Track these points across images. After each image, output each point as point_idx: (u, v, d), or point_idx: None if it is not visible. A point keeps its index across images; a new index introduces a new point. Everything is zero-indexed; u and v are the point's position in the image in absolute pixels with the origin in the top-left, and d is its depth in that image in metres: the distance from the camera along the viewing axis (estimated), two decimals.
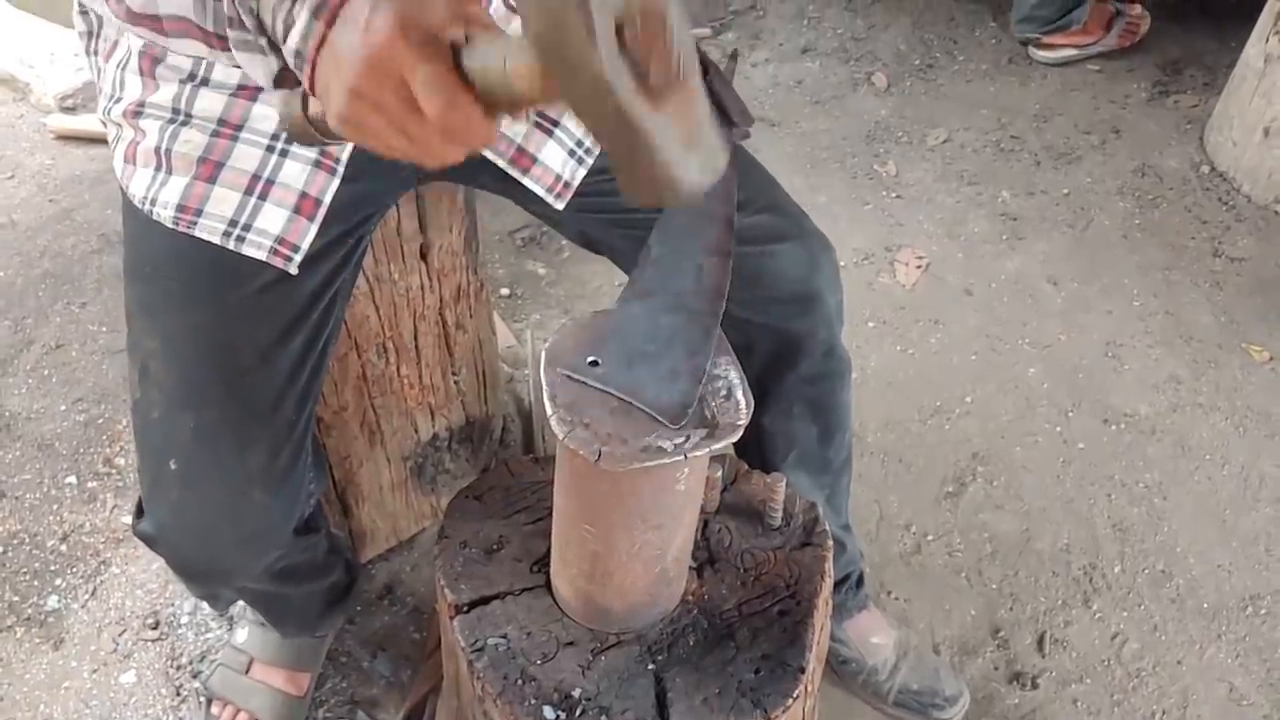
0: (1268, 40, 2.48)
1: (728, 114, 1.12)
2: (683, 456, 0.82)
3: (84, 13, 1.08)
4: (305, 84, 0.74)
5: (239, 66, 0.81)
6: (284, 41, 0.73)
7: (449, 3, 0.70)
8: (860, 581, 1.62)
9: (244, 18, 0.75)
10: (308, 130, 0.80)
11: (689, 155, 0.64)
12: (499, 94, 0.67)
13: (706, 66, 1.13)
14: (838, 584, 1.57)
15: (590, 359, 0.87)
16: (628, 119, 0.60)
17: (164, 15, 0.80)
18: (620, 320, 0.90)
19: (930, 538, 1.90)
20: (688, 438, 0.83)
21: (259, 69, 0.78)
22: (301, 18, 0.71)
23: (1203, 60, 3.01)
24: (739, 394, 0.87)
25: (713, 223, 0.95)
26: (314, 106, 0.79)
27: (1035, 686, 1.70)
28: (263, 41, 0.76)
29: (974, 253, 2.44)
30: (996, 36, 3.10)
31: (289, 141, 0.83)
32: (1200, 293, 2.35)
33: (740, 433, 0.85)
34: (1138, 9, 3.01)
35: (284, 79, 0.78)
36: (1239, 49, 2.64)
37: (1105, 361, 2.21)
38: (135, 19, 0.81)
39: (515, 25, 1.13)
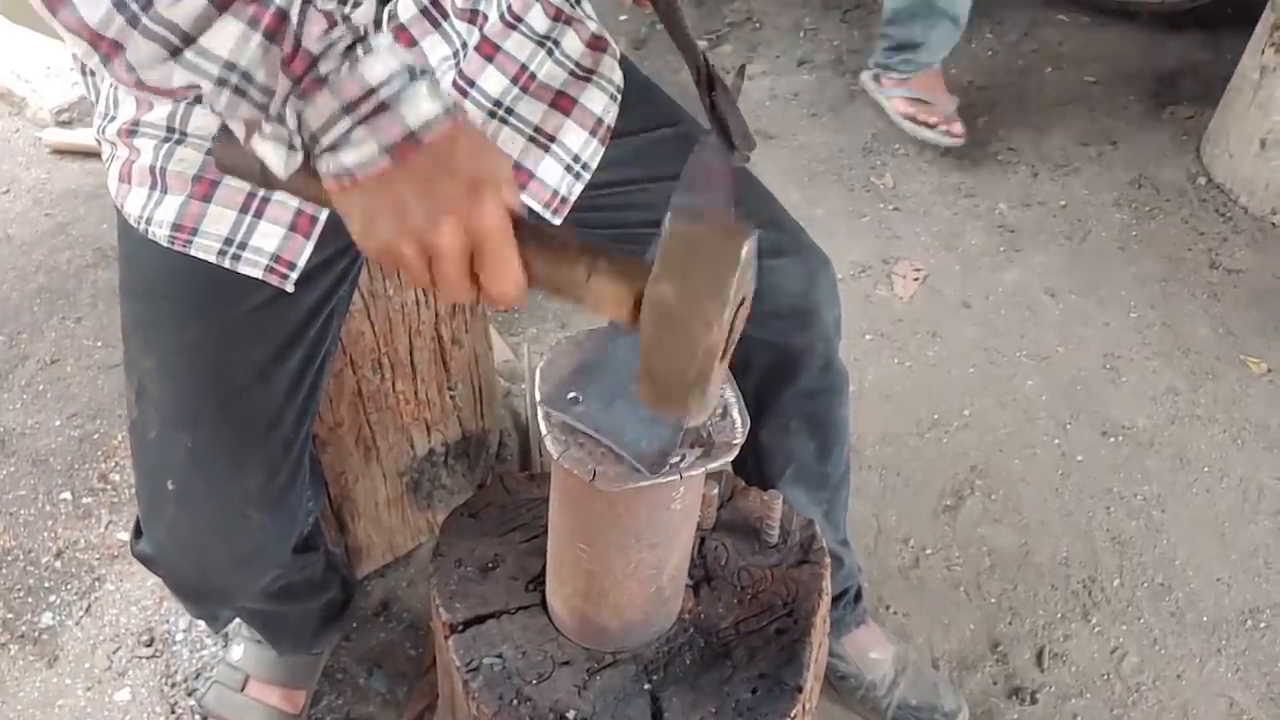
0: (1264, 52, 2.49)
1: (730, 137, 1.12)
2: (678, 476, 0.82)
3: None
4: (332, 189, 0.76)
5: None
6: (326, 150, 0.75)
7: (508, 172, 0.76)
8: (858, 596, 1.61)
9: (288, 118, 0.75)
10: (253, 172, 0.81)
11: (714, 394, 0.76)
12: (564, 291, 0.76)
13: (714, 84, 1.13)
14: (836, 599, 1.56)
15: (571, 395, 0.85)
16: (707, 378, 0.72)
17: (179, 86, 0.79)
18: (605, 355, 0.88)
19: (929, 552, 1.89)
20: (683, 457, 0.82)
21: (279, 160, 0.78)
22: (368, 145, 0.73)
23: (1199, 72, 3.02)
24: (735, 412, 0.87)
25: None
26: (296, 180, 0.79)
27: (1034, 701, 1.69)
28: (296, 140, 0.76)
29: (971, 265, 2.44)
30: (992, 49, 3.11)
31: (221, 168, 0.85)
32: (1198, 304, 2.35)
33: (736, 451, 0.85)
34: (957, 128, 2.68)
35: (293, 177, 0.79)
36: (1235, 61, 2.65)
37: (1103, 374, 2.21)
38: (145, 89, 0.80)
39: (545, 70, 1.13)
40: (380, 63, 0.74)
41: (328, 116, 0.74)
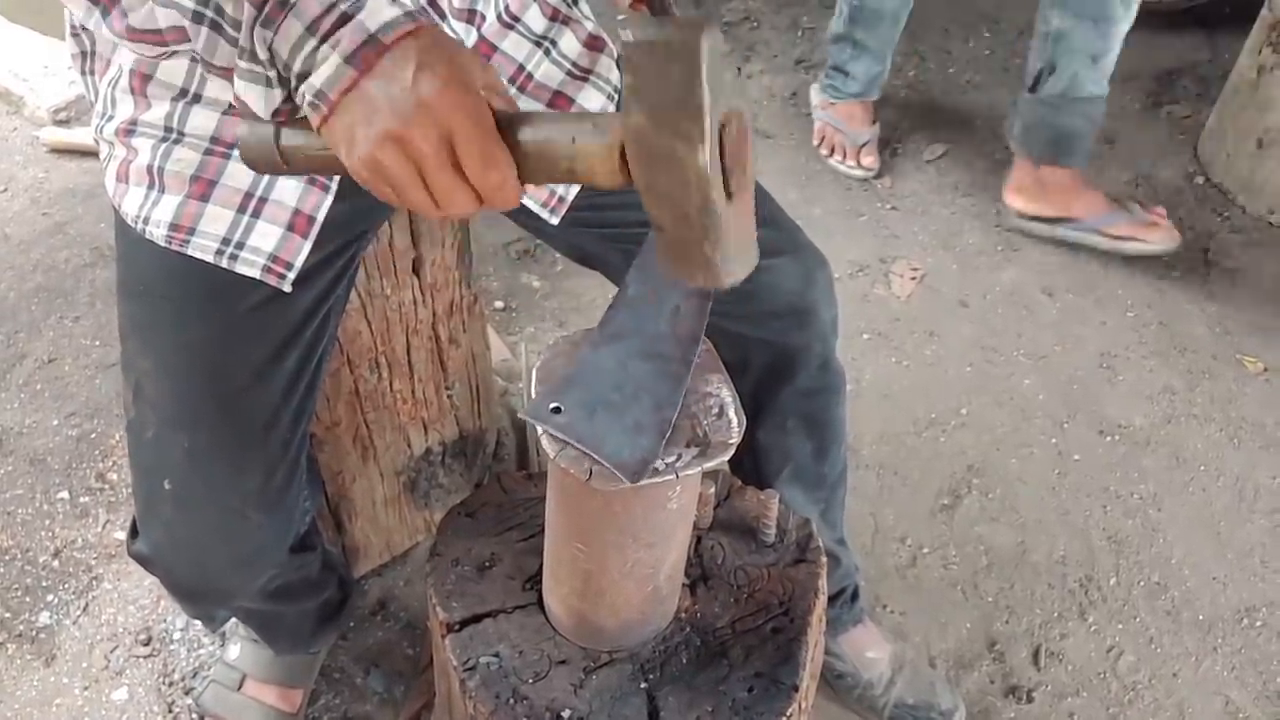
0: (1261, 51, 2.49)
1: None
2: (674, 475, 0.82)
3: (76, 34, 1.08)
4: (316, 122, 0.75)
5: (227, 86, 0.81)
6: (299, 79, 0.74)
7: (480, 68, 0.73)
8: (855, 595, 1.62)
9: (258, 49, 0.75)
10: (273, 159, 0.80)
11: (741, 250, 0.71)
12: (556, 166, 0.72)
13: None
14: (833, 598, 1.57)
15: (553, 405, 0.84)
16: (712, 216, 0.66)
17: (165, 28, 0.80)
18: (588, 365, 0.87)
19: (926, 551, 1.89)
20: (679, 456, 0.83)
21: (259, 99, 0.78)
22: (332, 61, 0.72)
23: (1196, 71, 3.02)
24: (731, 412, 0.87)
25: None
26: (291, 138, 0.79)
27: (1031, 700, 1.70)
28: (271, 74, 0.76)
29: (969, 264, 2.44)
30: (990, 48, 3.11)
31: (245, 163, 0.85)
32: (1195, 304, 2.36)
33: (732, 451, 0.85)
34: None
35: (281, 112, 0.79)
36: (1232, 60, 2.65)
37: (1100, 373, 2.21)
38: (136, 36, 0.81)
39: (542, 70, 1.13)
40: None
41: (295, 40, 0.73)
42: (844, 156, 2.65)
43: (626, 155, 0.68)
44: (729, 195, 0.67)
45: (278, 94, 0.78)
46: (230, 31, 0.77)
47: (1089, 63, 2.23)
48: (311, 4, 0.73)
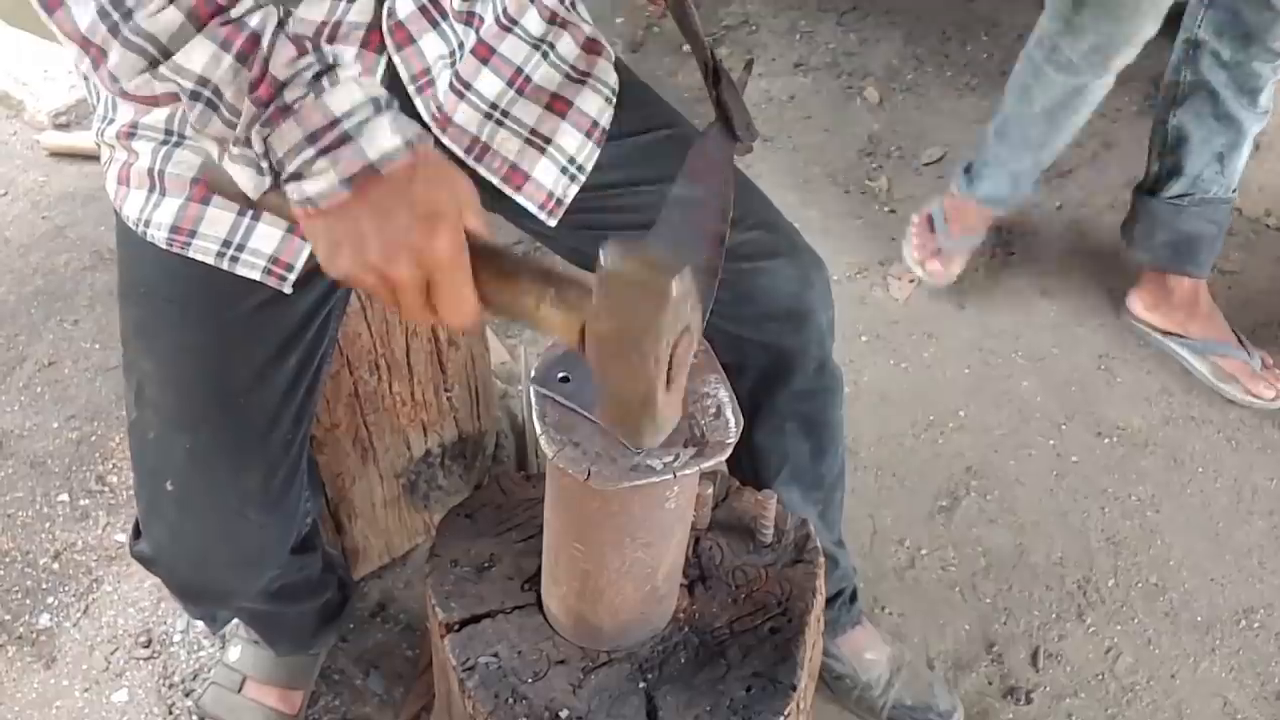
0: None
1: (733, 128, 1.13)
2: (672, 475, 0.82)
3: None
4: (299, 217, 0.79)
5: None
6: (291, 178, 0.77)
7: (468, 196, 0.78)
8: (854, 597, 1.62)
9: (254, 143, 0.77)
10: (239, 198, 0.84)
11: (666, 421, 0.80)
12: (517, 316, 0.80)
13: (719, 76, 1.14)
14: (831, 600, 1.57)
15: (561, 375, 0.86)
16: (652, 405, 0.76)
17: (160, 94, 0.81)
18: None
19: (924, 552, 1.90)
20: (677, 456, 0.83)
21: (248, 181, 0.81)
22: (328, 177, 0.75)
23: None
24: (728, 412, 0.87)
25: (703, 239, 0.94)
26: (272, 198, 0.82)
27: (1029, 701, 1.70)
28: (264, 164, 0.78)
29: (967, 267, 2.44)
30: (989, 51, 3.12)
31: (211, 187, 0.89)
32: None
33: (729, 451, 0.85)
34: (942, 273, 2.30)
35: (267, 196, 0.82)
36: None
37: (1098, 374, 2.21)
38: (126, 96, 0.82)
39: (540, 73, 1.14)
40: (345, 93, 0.76)
41: (292, 144, 0.75)
42: (924, 257, 2.31)
43: (585, 339, 0.75)
44: (668, 388, 0.76)
45: (267, 180, 0.80)
46: (226, 114, 0.78)
47: (1216, 164, 2.05)
48: (314, 114, 0.75)
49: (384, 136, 0.75)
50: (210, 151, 0.83)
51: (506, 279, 0.78)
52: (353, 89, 0.77)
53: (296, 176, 0.76)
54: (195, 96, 0.78)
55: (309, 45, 0.78)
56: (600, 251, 0.71)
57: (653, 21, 3.14)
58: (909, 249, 2.34)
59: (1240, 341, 2.19)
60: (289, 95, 0.75)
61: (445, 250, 0.75)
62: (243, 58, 0.76)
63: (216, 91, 0.77)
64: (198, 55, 0.76)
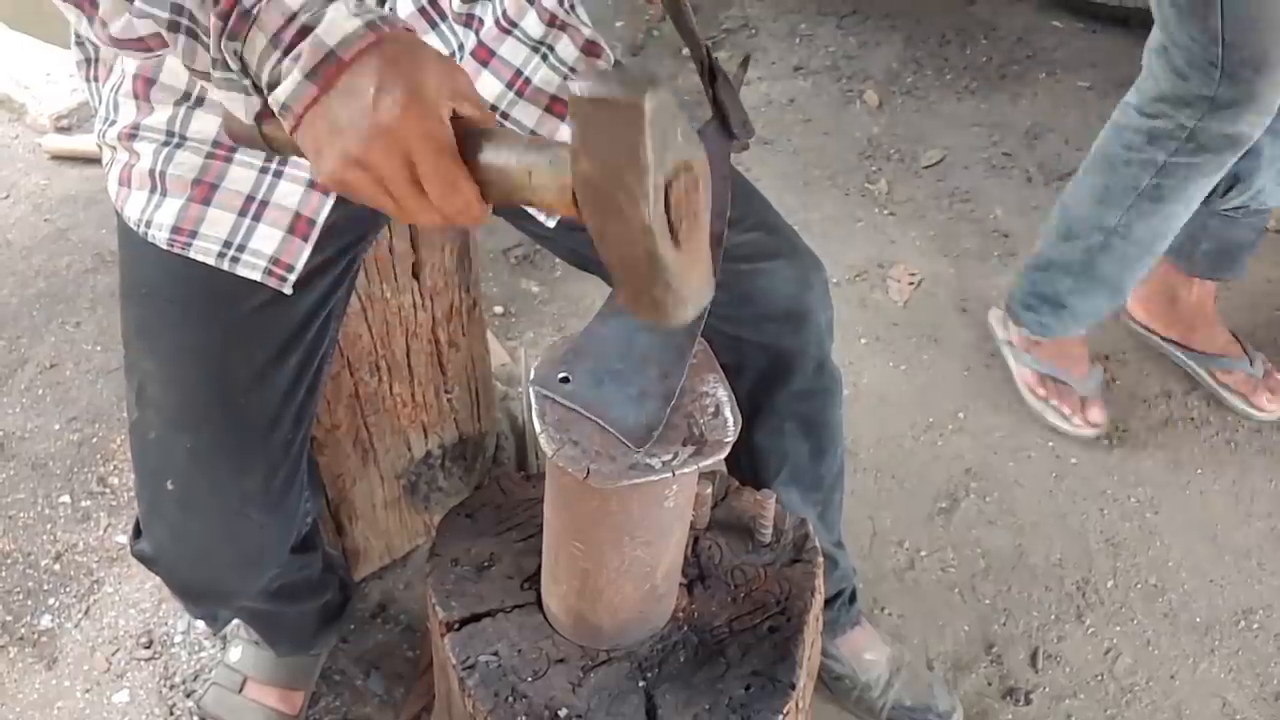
0: None
1: (729, 125, 1.14)
2: (670, 474, 0.83)
3: (80, 42, 1.09)
4: (288, 130, 0.75)
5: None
6: (269, 88, 0.74)
7: (447, 77, 0.72)
8: (853, 598, 1.62)
9: (229, 60, 0.76)
10: (257, 142, 0.81)
11: (690, 292, 0.71)
12: (512, 195, 0.72)
13: (715, 75, 1.15)
14: (830, 600, 1.57)
15: (561, 375, 0.86)
16: (656, 265, 0.67)
17: (145, 35, 0.81)
18: (595, 336, 0.90)
19: (923, 554, 1.90)
20: (675, 455, 0.84)
21: (239, 106, 0.79)
22: (293, 76, 0.72)
23: None
24: (727, 411, 0.88)
25: None
26: (274, 127, 0.79)
27: (1029, 702, 1.70)
28: (246, 83, 0.77)
29: (966, 269, 2.45)
30: (988, 54, 3.12)
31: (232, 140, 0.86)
32: None
33: (728, 450, 0.86)
34: (1097, 417, 2.09)
35: (263, 115, 0.79)
36: None
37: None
38: (120, 44, 0.83)
39: (540, 75, 1.14)
40: None
41: (260, 51, 0.73)
42: (1072, 410, 2.08)
43: (576, 199, 0.68)
44: (677, 244, 0.68)
45: (256, 100, 0.78)
46: (205, 39, 0.77)
47: (1276, 175, 1.91)
48: (274, 15, 0.73)
49: (342, 20, 0.72)
50: (205, 86, 0.81)
51: (495, 151, 0.72)
52: None
53: (271, 87, 0.74)
54: (174, 27, 0.77)
55: None
56: (569, 82, 0.65)
57: (653, 25, 3.15)
58: (1052, 416, 2.10)
59: (1244, 349, 2.16)
60: (247, 1, 0.74)
61: (419, 126, 0.70)
62: None
63: (191, 17, 0.76)
64: None
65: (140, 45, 0.82)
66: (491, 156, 0.72)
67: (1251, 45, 1.63)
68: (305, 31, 0.72)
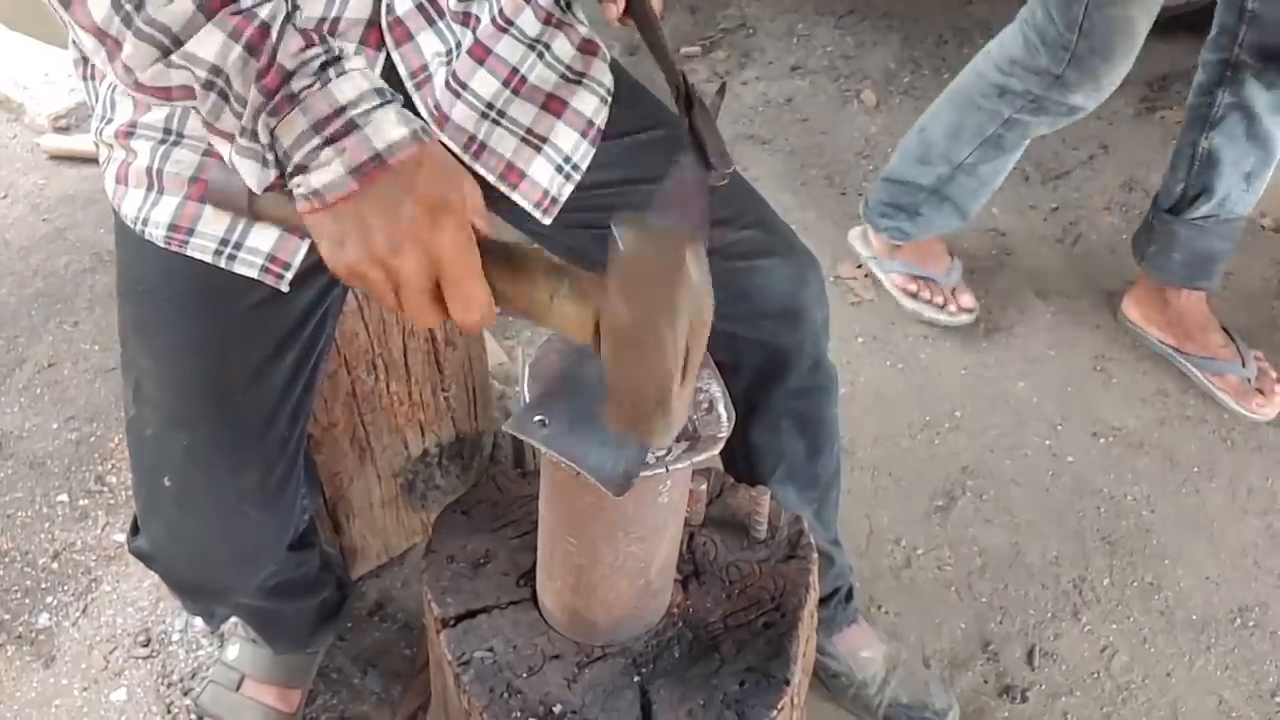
0: None
1: (706, 156, 1.11)
2: (664, 469, 0.83)
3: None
4: (304, 212, 0.77)
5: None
6: (297, 170, 0.76)
7: (475, 195, 0.76)
8: (850, 596, 1.63)
9: (260, 133, 0.77)
10: (241, 209, 0.83)
11: (675, 424, 0.76)
12: (528, 311, 0.76)
13: (692, 103, 1.14)
14: (827, 598, 1.58)
15: (537, 418, 0.84)
16: (665, 404, 0.73)
17: (174, 86, 0.82)
18: (572, 378, 0.87)
19: (920, 552, 1.90)
20: (669, 450, 0.84)
21: (252, 175, 0.80)
22: (334, 167, 0.74)
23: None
24: (721, 407, 0.88)
25: None
26: (264, 202, 0.81)
27: (1025, 700, 1.71)
28: (270, 156, 0.78)
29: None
30: None
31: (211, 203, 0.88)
32: None
33: (721, 445, 0.86)
34: (968, 301, 2.29)
35: (272, 188, 0.81)
36: None
37: (1094, 375, 2.22)
38: (143, 89, 0.83)
39: (535, 73, 1.14)
40: (351, 83, 0.76)
41: (298, 134, 0.75)
42: (945, 300, 2.28)
43: (600, 329, 0.73)
44: (682, 382, 0.73)
45: (272, 174, 0.79)
46: (236, 105, 0.78)
47: (1243, 184, 2.03)
48: (320, 103, 0.75)
49: (391, 126, 0.75)
50: (220, 150, 0.83)
51: (517, 274, 0.76)
52: (359, 79, 0.77)
53: (302, 169, 0.76)
54: (209, 86, 0.78)
55: (316, 37, 0.78)
56: (613, 229, 0.69)
57: None
58: (928, 310, 2.28)
59: (1238, 350, 2.18)
60: (295, 84, 0.76)
61: (452, 241, 0.74)
62: (251, 48, 0.76)
63: (228, 81, 0.77)
64: (209, 44, 0.77)
65: (164, 94, 0.82)
66: (513, 277, 0.75)
67: (1104, 40, 1.84)
68: (351, 127, 0.74)
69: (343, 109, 0.75)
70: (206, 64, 0.77)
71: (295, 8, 0.79)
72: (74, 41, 1.08)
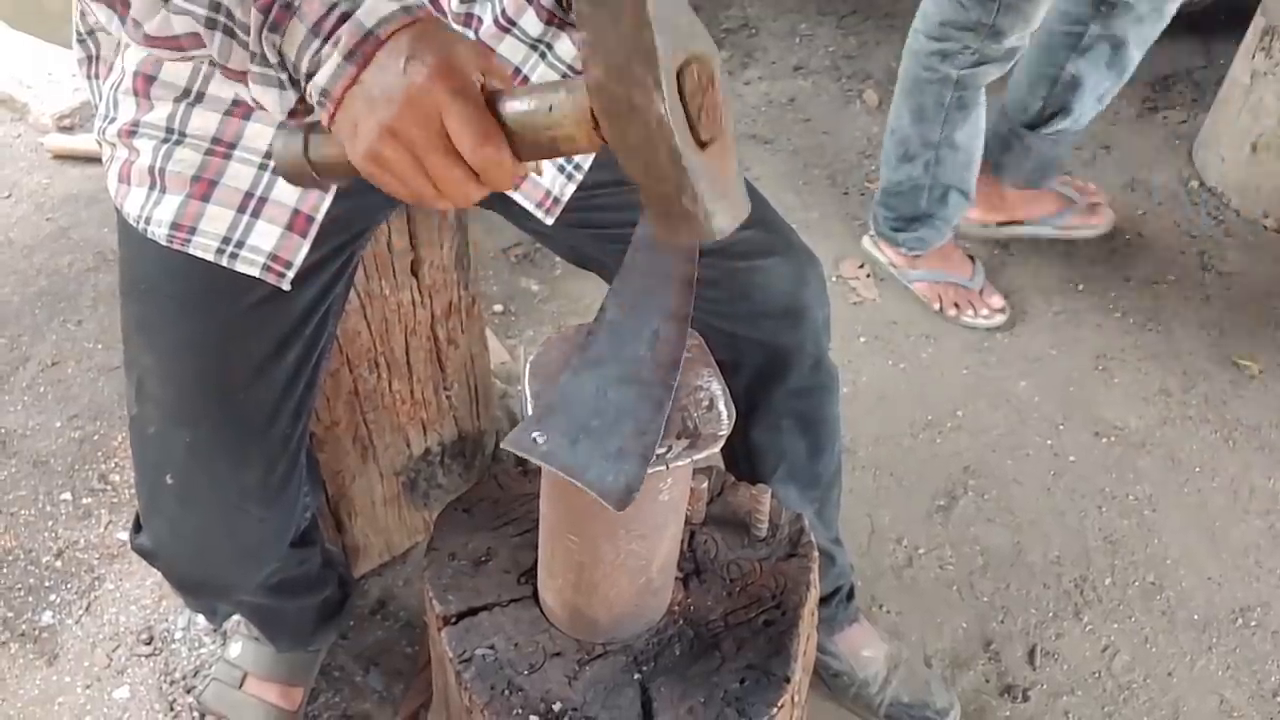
0: (1254, 57, 2.51)
1: None
2: (664, 467, 0.83)
3: (82, 39, 1.10)
4: (325, 120, 0.78)
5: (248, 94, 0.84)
6: (307, 79, 0.77)
7: (475, 54, 0.76)
8: (851, 595, 1.63)
9: (268, 53, 0.78)
10: (304, 171, 0.82)
11: (723, 199, 0.69)
12: (540, 138, 0.73)
13: None
14: (828, 597, 1.58)
15: (535, 434, 0.83)
16: (681, 163, 0.65)
17: (181, 34, 0.83)
18: (568, 392, 0.86)
19: (921, 551, 1.90)
20: (669, 448, 0.84)
21: (274, 102, 0.81)
22: (333, 59, 0.75)
23: (1191, 76, 3.04)
24: (721, 405, 0.88)
25: (671, 284, 0.90)
26: (317, 148, 0.81)
27: (1026, 699, 1.71)
28: (283, 76, 0.79)
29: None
30: None
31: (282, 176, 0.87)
32: (1190, 307, 2.37)
33: (721, 443, 0.86)
34: (997, 302, 2.32)
35: (296, 112, 0.82)
36: (1226, 65, 2.67)
37: (1095, 375, 2.22)
38: (155, 43, 0.84)
39: (538, 73, 1.15)
40: None
41: (300, 41, 0.76)
42: (977, 303, 2.31)
43: (595, 115, 0.68)
44: (700, 143, 0.67)
45: (291, 95, 0.80)
46: (243, 36, 0.79)
47: (1096, 103, 2.22)
48: (314, 6, 0.76)
49: (380, 4, 0.76)
50: (241, 93, 0.83)
51: (517, 99, 0.73)
52: None
53: (310, 76, 0.77)
54: (212, 25, 0.80)
55: None
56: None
57: None
58: (965, 317, 2.31)
59: (1064, 198, 2.44)
60: None
61: (449, 84, 0.73)
62: None
63: (229, 15, 0.79)
64: None
65: (175, 44, 0.83)
66: (516, 105, 0.73)
67: None
68: (345, 18, 0.75)
69: (334, 4, 0.76)
70: (204, 2, 0.79)
71: None
72: (80, 36, 1.09)
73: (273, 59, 0.78)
